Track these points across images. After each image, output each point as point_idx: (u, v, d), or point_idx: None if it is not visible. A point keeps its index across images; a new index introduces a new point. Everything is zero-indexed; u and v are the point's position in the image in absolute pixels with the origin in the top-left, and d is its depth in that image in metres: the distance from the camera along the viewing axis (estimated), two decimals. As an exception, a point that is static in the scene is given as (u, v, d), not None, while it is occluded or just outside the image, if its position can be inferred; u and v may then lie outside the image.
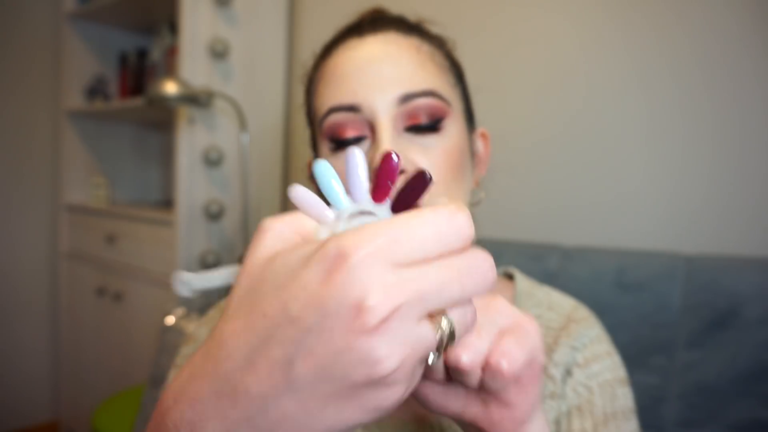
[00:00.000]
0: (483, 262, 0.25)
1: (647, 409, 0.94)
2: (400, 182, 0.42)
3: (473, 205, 0.56)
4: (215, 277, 0.32)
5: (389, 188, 0.29)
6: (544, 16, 1.32)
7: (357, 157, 0.29)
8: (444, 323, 0.25)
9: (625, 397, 0.55)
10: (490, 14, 1.40)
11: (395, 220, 0.24)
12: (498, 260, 1.23)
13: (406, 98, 0.48)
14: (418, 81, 0.49)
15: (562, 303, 0.60)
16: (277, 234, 0.27)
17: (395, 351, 0.22)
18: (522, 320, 0.32)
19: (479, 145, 0.58)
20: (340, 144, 0.50)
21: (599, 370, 0.55)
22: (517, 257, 1.17)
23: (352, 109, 0.49)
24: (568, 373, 0.54)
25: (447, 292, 0.24)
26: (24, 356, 2.35)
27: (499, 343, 0.31)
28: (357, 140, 0.49)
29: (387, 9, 0.61)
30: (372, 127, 0.49)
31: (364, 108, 0.48)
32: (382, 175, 0.28)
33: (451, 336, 0.25)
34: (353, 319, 0.22)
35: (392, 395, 0.24)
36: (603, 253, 1.09)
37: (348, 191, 0.29)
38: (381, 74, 0.49)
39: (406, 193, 0.28)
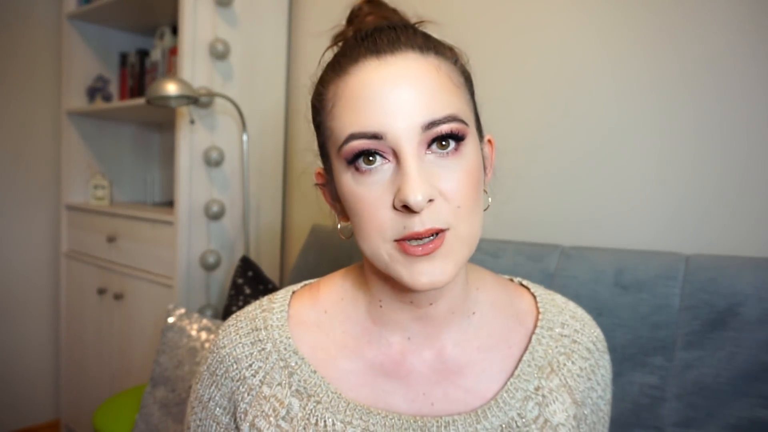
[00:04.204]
0: None
1: (646, 409, 0.94)
2: (427, 215, 0.46)
3: (484, 211, 0.56)
4: None
5: None
6: (550, 18, 1.32)
7: None
8: None
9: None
10: (492, 18, 1.40)
11: None
12: (498, 260, 1.23)
13: (430, 125, 0.48)
14: (441, 106, 0.49)
15: (582, 316, 0.64)
16: None
17: None
18: None
19: (486, 151, 0.59)
20: (358, 156, 0.49)
21: (599, 418, 0.62)
22: (516, 257, 1.17)
23: (375, 136, 0.48)
24: (574, 402, 0.58)
25: None
26: (25, 356, 2.35)
27: None
28: (375, 155, 0.49)
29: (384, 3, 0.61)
30: (395, 153, 0.48)
31: (387, 137, 0.48)
32: None
33: None
34: None
35: None
36: (602, 253, 1.09)
37: None
38: (403, 101, 0.48)
39: None
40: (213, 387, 0.59)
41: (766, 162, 1.04)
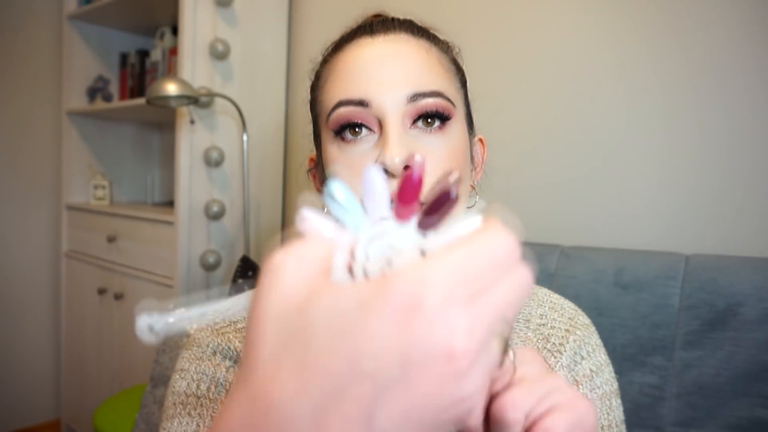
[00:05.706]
0: (527, 275, 0.25)
1: (646, 408, 0.94)
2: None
3: (469, 209, 0.56)
4: (187, 317, 0.28)
5: (415, 206, 0.26)
6: (552, 16, 1.32)
7: (377, 174, 0.26)
8: (499, 333, 0.24)
9: (618, 409, 0.57)
10: (492, 19, 1.40)
11: (455, 252, 0.23)
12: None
13: (415, 97, 0.49)
14: (427, 81, 0.50)
15: (564, 305, 0.61)
16: (294, 272, 0.24)
17: (480, 382, 0.22)
18: (581, 404, 0.30)
19: (477, 150, 0.60)
20: (344, 128, 0.50)
21: (600, 382, 0.57)
22: (516, 257, 1.17)
23: (361, 103, 0.49)
24: (575, 381, 0.55)
25: (511, 313, 0.24)
26: (26, 356, 2.35)
27: (549, 417, 0.29)
28: (361, 126, 0.50)
29: (389, 13, 0.61)
30: (380, 123, 0.49)
31: (373, 104, 0.49)
32: (408, 189, 0.25)
33: (505, 343, 0.24)
34: (444, 366, 0.21)
35: (472, 418, 0.24)
36: (602, 253, 1.09)
37: (367, 210, 0.26)
38: (391, 72, 0.49)
39: (432, 211, 0.25)
40: (198, 359, 0.55)
41: (766, 163, 1.04)
